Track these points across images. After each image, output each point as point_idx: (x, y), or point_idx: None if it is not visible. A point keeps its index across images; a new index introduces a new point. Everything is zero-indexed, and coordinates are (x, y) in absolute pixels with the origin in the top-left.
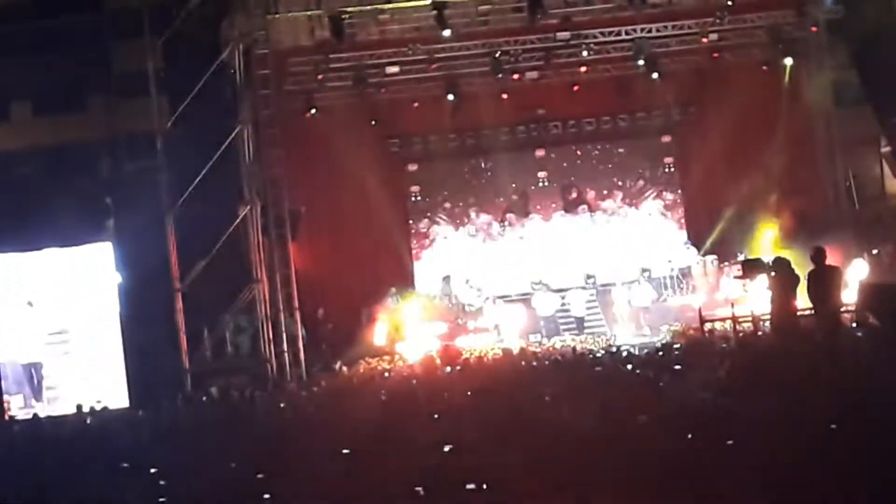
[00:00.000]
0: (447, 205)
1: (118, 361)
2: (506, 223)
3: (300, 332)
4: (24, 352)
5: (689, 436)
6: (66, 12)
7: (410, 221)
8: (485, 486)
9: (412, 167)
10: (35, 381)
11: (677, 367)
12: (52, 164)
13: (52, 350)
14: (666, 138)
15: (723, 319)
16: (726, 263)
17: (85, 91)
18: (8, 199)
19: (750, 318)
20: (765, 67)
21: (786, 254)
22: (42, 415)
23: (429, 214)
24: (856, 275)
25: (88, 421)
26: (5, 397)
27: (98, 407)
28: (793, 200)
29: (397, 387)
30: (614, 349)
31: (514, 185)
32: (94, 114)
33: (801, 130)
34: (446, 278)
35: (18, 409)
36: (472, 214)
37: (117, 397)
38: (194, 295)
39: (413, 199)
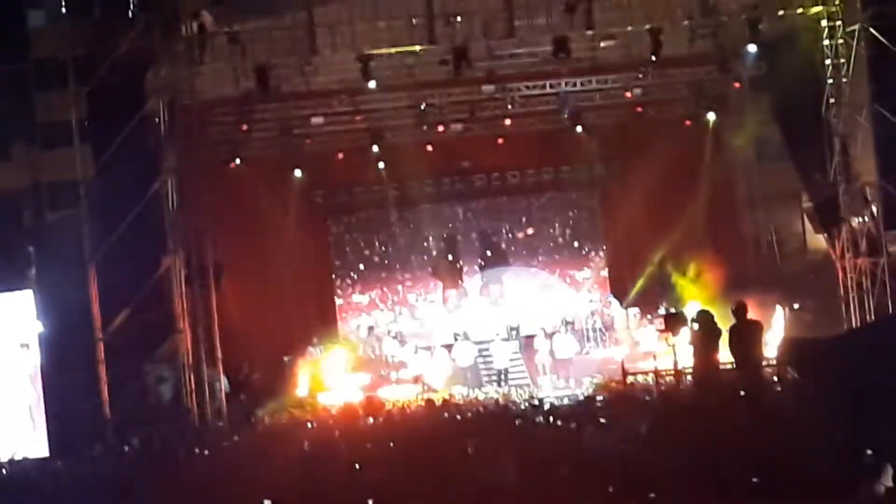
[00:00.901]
0: (372, 256)
1: (38, 410)
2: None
3: (223, 382)
4: None
5: (610, 489)
6: None
7: (334, 273)
8: None
9: (337, 218)
10: None
11: (599, 419)
12: None
13: None
14: (590, 192)
15: (645, 372)
16: (649, 316)
17: (8, 140)
18: None
19: (672, 372)
20: (688, 122)
21: (708, 307)
22: None
23: (353, 266)
24: (777, 329)
25: (4, 471)
26: None
27: (15, 457)
28: (715, 254)
29: (319, 437)
30: (537, 401)
31: (442, 235)
32: (16, 163)
33: (723, 185)
34: (370, 329)
35: None
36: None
37: (37, 447)
38: (116, 344)
39: (338, 249)
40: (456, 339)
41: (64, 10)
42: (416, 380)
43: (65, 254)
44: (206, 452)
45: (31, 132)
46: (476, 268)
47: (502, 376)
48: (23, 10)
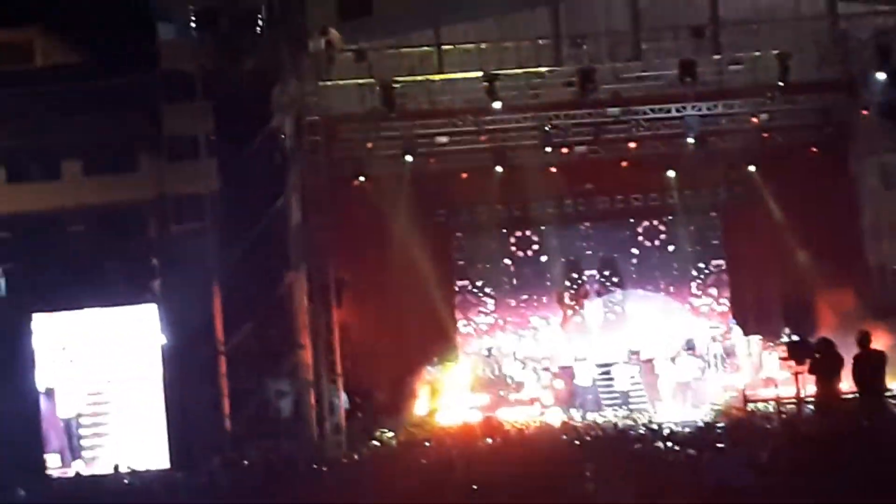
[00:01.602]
0: (493, 277)
1: (160, 422)
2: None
3: (342, 398)
4: (64, 408)
5: None
6: (119, 73)
7: (455, 292)
8: None
9: (459, 238)
10: (74, 438)
11: (719, 445)
12: (100, 223)
13: (93, 409)
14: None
15: (766, 400)
16: (771, 344)
17: (135, 152)
18: (56, 257)
19: (794, 400)
20: (815, 149)
21: (831, 337)
22: (78, 473)
23: (474, 286)
24: None
25: (127, 481)
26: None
27: (137, 467)
28: (840, 282)
29: (437, 456)
30: (656, 426)
31: (564, 257)
32: (143, 175)
33: (849, 213)
34: (490, 349)
35: (56, 467)
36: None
37: (158, 458)
38: (237, 358)
39: (459, 269)
40: (576, 362)
41: (193, 23)
42: (533, 401)
43: (189, 267)
44: (325, 468)
45: (157, 144)
46: (597, 290)
47: (622, 399)
48: (153, 23)
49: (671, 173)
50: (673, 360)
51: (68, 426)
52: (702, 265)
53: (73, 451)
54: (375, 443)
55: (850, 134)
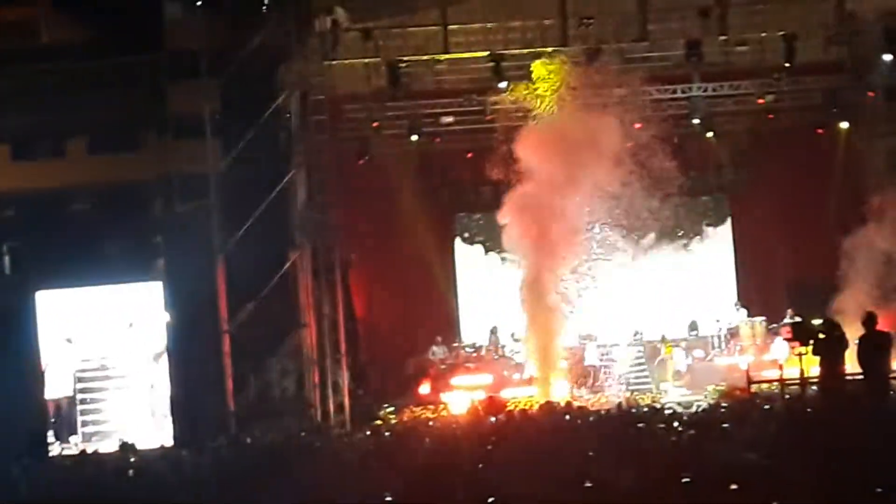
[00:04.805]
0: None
1: (164, 400)
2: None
3: (346, 377)
4: (61, 387)
5: (733, 496)
6: (124, 52)
7: (459, 272)
8: None
9: (463, 217)
10: (68, 417)
11: (723, 426)
12: (105, 201)
13: (94, 386)
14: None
15: (770, 381)
16: (775, 325)
17: (140, 130)
18: (60, 235)
19: (798, 381)
20: (820, 131)
21: (836, 318)
22: (80, 451)
23: (478, 265)
24: None
25: (131, 459)
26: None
27: (141, 445)
28: (844, 264)
29: (441, 435)
30: (659, 406)
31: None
32: (148, 153)
33: (854, 195)
34: (493, 329)
35: (55, 444)
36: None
37: (162, 436)
38: (241, 336)
39: (463, 249)
40: (581, 342)
41: (199, 2)
42: (531, 381)
43: (193, 245)
44: (328, 447)
45: (162, 122)
46: (602, 270)
47: (625, 381)
48: (159, 2)
49: (677, 154)
50: (676, 341)
51: (60, 405)
52: (706, 246)
53: (67, 429)
54: (378, 422)
55: (857, 116)
